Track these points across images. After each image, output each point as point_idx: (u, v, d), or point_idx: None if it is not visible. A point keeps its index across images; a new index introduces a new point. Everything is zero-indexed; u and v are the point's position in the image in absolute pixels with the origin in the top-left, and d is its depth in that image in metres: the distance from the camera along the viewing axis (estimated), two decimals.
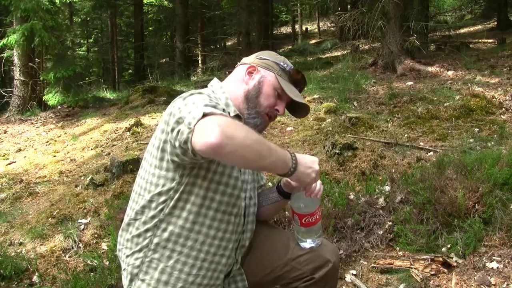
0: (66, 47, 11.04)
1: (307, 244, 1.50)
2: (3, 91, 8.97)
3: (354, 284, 2.28)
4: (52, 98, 8.53)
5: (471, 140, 4.00)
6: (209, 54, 13.97)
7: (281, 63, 1.49)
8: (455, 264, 2.29)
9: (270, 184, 1.80)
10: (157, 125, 5.87)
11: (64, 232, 3.11)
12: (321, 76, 8.07)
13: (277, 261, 1.52)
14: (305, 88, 1.68)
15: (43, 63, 9.50)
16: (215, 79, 1.53)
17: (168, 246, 1.33)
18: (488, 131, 4.27)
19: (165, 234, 1.32)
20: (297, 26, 20.24)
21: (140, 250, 1.35)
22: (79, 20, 17.11)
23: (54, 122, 7.94)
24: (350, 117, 4.68)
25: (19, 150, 6.01)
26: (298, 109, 1.54)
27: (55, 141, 6.35)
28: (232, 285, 1.50)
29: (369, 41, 8.16)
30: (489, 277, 2.15)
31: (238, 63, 1.56)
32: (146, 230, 1.34)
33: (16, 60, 8.79)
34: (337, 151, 3.59)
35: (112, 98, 9.97)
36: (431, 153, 3.79)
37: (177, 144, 1.19)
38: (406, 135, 4.38)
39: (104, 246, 2.98)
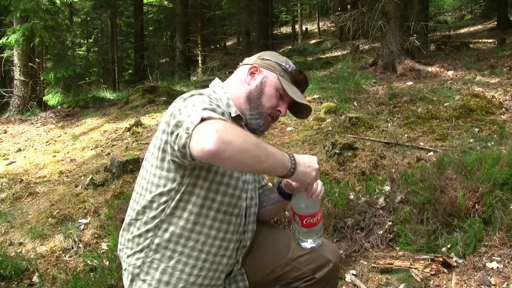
0: (66, 47, 11.04)
1: (308, 244, 1.50)
2: (3, 91, 8.97)
3: (354, 284, 2.28)
4: (52, 98, 8.54)
5: (471, 140, 4.00)
6: (209, 54, 13.98)
7: (283, 64, 1.49)
8: (455, 264, 2.29)
9: (270, 184, 1.79)
10: (157, 125, 5.89)
11: (64, 232, 3.11)
12: (321, 76, 8.07)
13: (278, 261, 1.52)
14: None
15: (43, 63, 9.51)
16: (217, 79, 1.53)
17: (169, 246, 1.33)
18: (488, 131, 4.27)
19: (166, 235, 1.32)
20: (297, 26, 20.24)
21: (141, 250, 1.35)
22: (79, 20, 17.11)
23: (54, 122, 7.94)
24: (350, 117, 4.68)
25: (19, 150, 6.01)
26: (300, 110, 1.54)
27: (55, 141, 6.36)
28: (233, 285, 1.50)
29: (369, 41, 8.16)
30: (489, 277, 2.15)
31: (240, 63, 1.56)
32: (147, 231, 1.34)
33: (16, 60, 8.80)
34: (337, 151, 3.59)
35: (112, 98, 9.97)
36: (431, 153, 3.79)
37: (176, 147, 1.20)
38: (406, 135, 4.38)
39: (104, 246, 2.98)
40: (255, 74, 1.47)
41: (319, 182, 1.44)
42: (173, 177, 1.30)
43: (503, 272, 2.18)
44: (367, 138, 4.25)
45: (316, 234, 1.50)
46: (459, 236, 2.42)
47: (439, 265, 2.27)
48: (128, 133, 5.58)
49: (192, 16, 13.83)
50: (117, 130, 5.88)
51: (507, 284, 2.10)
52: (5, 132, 7.38)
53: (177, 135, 1.19)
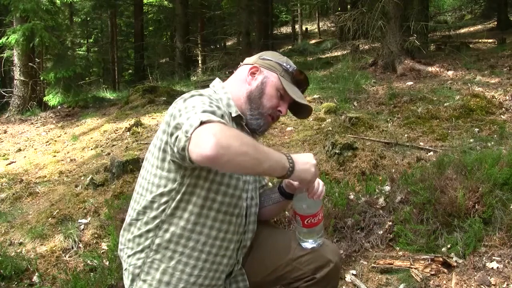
0: (66, 47, 11.03)
1: (309, 244, 1.50)
2: (3, 91, 8.97)
3: (354, 284, 2.28)
4: (52, 98, 8.54)
5: (471, 140, 4.00)
6: (209, 54, 13.98)
7: (284, 64, 1.49)
8: (455, 264, 2.29)
9: (271, 184, 1.79)
10: (157, 125, 5.89)
11: (64, 232, 3.11)
12: (321, 76, 8.08)
13: (278, 261, 1.52)
14: None
15: (43, 63, 9.51)
16: (217, 79, 1.53)
17: (169, 246, 1.33)
18: (488, 131, 4.27)
19: (167, 235, 1.32)
20: (297, 26, 20.25)
21: (141, 251, 1.36)
22: (79, 20, 17.11)
23: (54, 122, 7.94)
24: (350, 117, 4.68)
25: (19, 150, 6.01)
26: (300, 110, 1.54)
27: (55, 141, 6.35)
28: (234, 285, 1.50)
29: (369, 41, 8.16)
30: (489, 277, 2.16)
31: (240, 63, 1.56)
32: (148, 231, 1.34)
33: (16, 60, 8.80)
34: (337, 151, 3.59)
35: (112, 98, 9.97)
36: (431, 153, 3.79)
37: (175, 150, 1.20)
38: (406, 135, 4.39)
39: (104, 246, 2.98)
40: (256, 74, 1.47)
41: (320, 182, 1.44)
42: (173, 177, 1.30)
43: (503, 272, 2.18)
44: (367, 138, 4.25)
45: (317, 234, 1.50)
46: (459, 236, 2.42)
47: (439, 265, 2.27)
48: (128, 133, 5.58)
49: (192, 16, 13.83)
50: (117, 130, 5.88)
51: (507, 284, 2.10)
52: (5, 132, 7.38)
53: (176, 137, 1.19)
